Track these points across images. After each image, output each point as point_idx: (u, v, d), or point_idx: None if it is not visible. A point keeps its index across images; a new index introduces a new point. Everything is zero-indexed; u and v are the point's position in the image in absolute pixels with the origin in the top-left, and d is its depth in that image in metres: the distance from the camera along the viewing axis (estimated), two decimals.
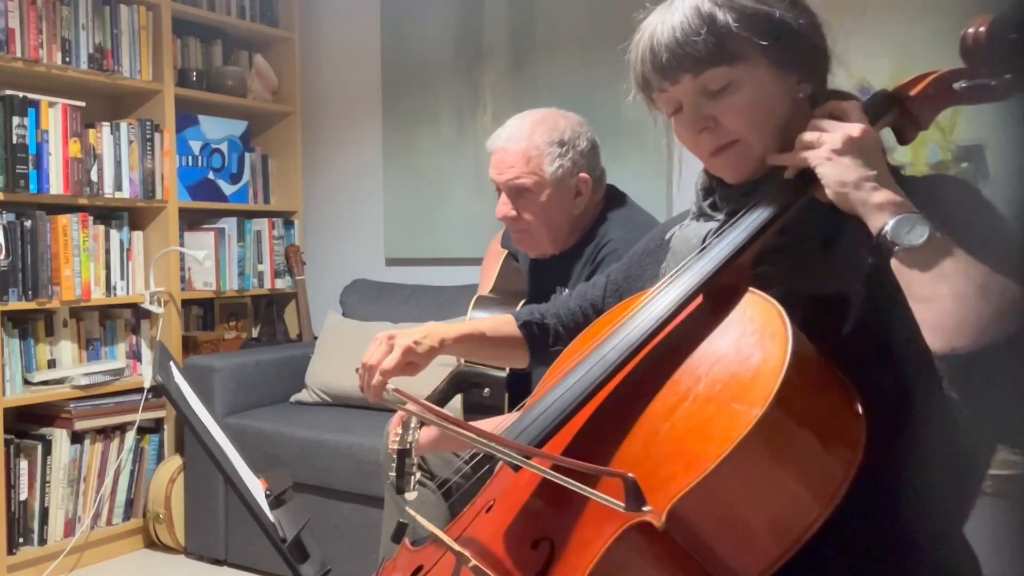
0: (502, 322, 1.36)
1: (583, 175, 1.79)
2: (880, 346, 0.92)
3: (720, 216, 1.07)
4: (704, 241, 1.05)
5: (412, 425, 1.43)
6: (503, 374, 1.82)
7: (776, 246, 0.99)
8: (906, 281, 0.87)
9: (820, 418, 0.84)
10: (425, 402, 1.04)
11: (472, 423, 1.65)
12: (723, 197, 1.08)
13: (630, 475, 0.78)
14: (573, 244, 1.84)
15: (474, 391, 1.85)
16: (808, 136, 0.95)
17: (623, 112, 2.75)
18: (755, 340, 0.87)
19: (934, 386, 0.86)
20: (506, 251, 2.10)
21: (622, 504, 0.78)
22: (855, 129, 0.93)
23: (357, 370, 1.20)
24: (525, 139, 1.77)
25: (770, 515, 0.81)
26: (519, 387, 1.81)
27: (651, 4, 1.04)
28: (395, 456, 1.39)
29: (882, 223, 0.88)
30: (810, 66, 1.02)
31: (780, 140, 1.00)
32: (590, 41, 2.83)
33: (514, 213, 1.80)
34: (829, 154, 0.92)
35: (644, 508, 0.78)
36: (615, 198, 1.88)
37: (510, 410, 1.79)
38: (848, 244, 0.95)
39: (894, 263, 0.88)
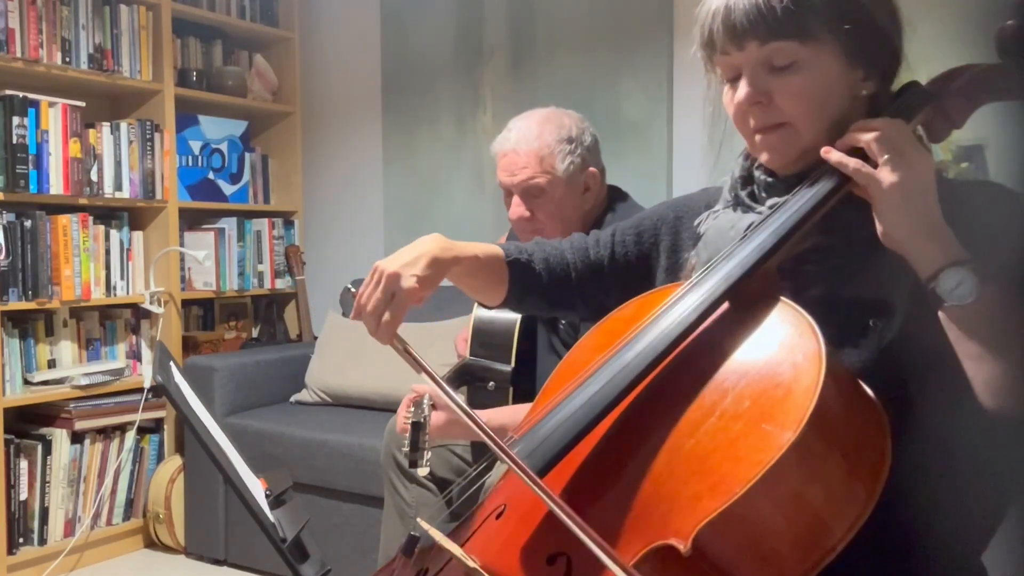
0: (491, 253, 1.18)
1: (592, 169, 1.81)
2: (920, 362, 0.87)
3: (762, 208, 1.02)
4: (744, 236, 0.98)
5: (425, 402, 1.44)
6: (508, 368, 1.82)
7: (820, 245, 0.94)
8: (953, 335, 0.84)
9: (850, 442, 0.81)
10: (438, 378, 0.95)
11: (481, 411, 1.66)
12: (766, 188, 1.02)
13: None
14: None
15: (478, 385, 1.85)
16: (862, 169, 0.88)
17: (623, 112, 2.75)
18: (787, 356, 0.83)
19: (973, 412, 0.83)
20: None
21: None
22: (923, 164, 0.86)
23: (350, 289, 1.03)
24: (536, 139, 1.77)
25: (794, 538, 0.79)
26: (524, 382, 1.81)
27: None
28: (408, 431, 1.41)
29: (929, 273, 0.84)
30: (880, 65, 0.97)
31: (831, 134, 0.95)
32: (590, 41, 2.83)
33: (528, 214, 1.81)
34: (895, 199, 0.86)
35: None
36: (618, 195, 1.90)
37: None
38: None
39: (941, 314, 0.84)
